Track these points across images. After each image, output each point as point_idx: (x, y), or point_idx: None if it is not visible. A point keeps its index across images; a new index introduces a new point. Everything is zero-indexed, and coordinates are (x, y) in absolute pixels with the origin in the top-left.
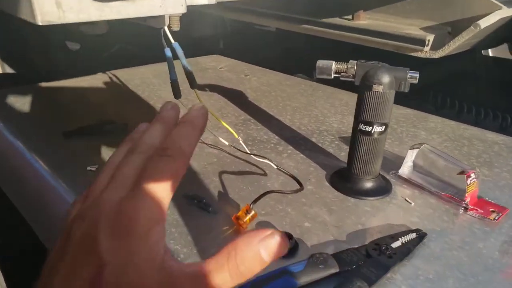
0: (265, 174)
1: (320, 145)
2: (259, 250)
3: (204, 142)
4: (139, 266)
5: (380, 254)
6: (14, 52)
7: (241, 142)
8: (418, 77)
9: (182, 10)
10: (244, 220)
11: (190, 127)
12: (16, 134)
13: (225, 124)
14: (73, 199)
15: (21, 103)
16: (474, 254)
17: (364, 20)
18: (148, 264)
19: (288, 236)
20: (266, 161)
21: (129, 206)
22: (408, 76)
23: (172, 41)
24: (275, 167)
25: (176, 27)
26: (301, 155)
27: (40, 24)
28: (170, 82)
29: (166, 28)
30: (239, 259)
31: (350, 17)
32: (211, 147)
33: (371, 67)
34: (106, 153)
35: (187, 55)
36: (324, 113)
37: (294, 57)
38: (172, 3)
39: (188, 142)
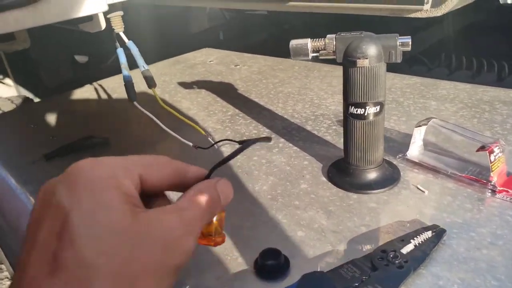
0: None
1: (315, 133)
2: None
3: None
4: (107, 208)
5: (388, 264)
6: (25, 73)
7: (209, 138)
8: (410, 43)
9: (103, 8)
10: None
11: None
12: (2, 162)
13: (188, 122)
14: None
15: (7, 128)
16: (510, 251)
17: None
18: (117, 204)
19: (276, 252)
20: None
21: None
22: (398, 43)
23: (126, 40)
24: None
25: (119, 28)
26: (294, 147)
27: None
28: (124, 83)
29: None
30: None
31: None
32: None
33: (353, 39)
34: None
35: (180, 53)
36: (320, 95)
37: (290, 38)
38: (89, 3)
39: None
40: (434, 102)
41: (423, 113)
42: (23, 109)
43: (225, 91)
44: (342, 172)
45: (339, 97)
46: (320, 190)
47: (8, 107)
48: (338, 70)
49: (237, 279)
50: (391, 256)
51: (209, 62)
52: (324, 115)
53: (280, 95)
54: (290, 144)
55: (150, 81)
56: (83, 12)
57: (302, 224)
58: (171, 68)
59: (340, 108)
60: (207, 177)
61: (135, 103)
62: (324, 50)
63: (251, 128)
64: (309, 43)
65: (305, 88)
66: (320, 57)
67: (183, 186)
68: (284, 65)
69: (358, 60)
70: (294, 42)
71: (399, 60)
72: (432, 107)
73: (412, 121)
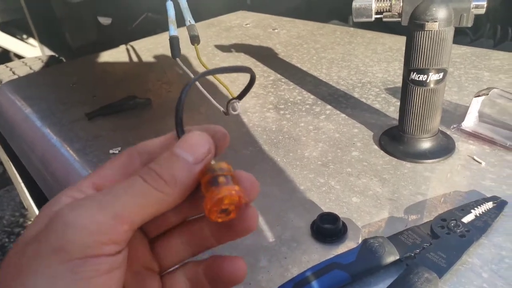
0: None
1: (364, 100)
2: (173, 150)
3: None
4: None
5: (450, 233)
6: (50, 34)
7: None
8: (485, 5)
9: None
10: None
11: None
12: (43, 120)
13: (221, 82)
14: None
15: (46, 85)
16: None
17: None
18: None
19: (334, 216)
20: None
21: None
22: (472, 5)
23: None
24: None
25: None
26: (342, 115)
27: None
28: (169, 38)
29: None
30: (153, 165)
31: None
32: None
33: (422, 0)
34: (128, 132)
35: (212, 15)
36: (366, 62)
37: (326, 3)
38: None
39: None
40: (487, 73)
41: (476, 84)
42: (57, 68)
43: (265, 55)
44: (395, 140)
45: (386, 65)
46: (372, 158)
47: (38, 65)
48: (383, 37)
49: (294, 240)
50: (452, 224)
51: (245, 25)
52: (372, 82)
53: (323, 61)
54: (338, 111)
55: (194, 37)
56: None
57: (356, 190)
58: (206, 31)
59: (388, 76)
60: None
61: (177, 59)
62: (389, 12)
63: (295, 94)
64: (373, 3)
65: (349, 55)
66: (384, 19)
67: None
68: (324, 30)
69: (426, 23)
70: (357, 3)
71: (469, 24)
72: (485, 78)
73: (464, 91)
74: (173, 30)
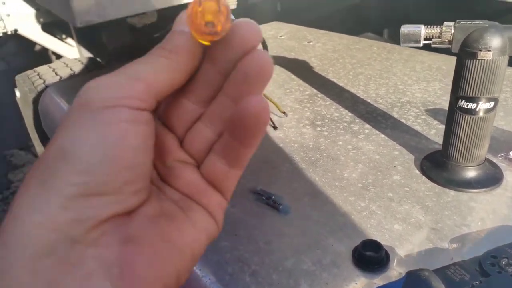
0: (339, 157)
1: (403, 121)
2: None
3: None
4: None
5: (501, 272)
6: (88, 35)
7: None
8: None
9: None
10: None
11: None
12: None
13: (269, 98)
14: None
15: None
16: None
17: None
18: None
19: (377, 244)
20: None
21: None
22: None
23: None
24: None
25: (232, 3)
26: (382, 135)
27: (79, 25)
28: None
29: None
30: (157, 45)
31: None
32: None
33: (475, 28)
34: None
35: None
36: (404, 80)
37: (360, 15)
38: None
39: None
40: None
41: None
42: (98, 72)
43: (300, 69)
44: (438, 166)
45: (425, 84)
46: (414, 184)
47: (78, 67)
48: (421, 55)
49: (334, 266)
50: (504, 263)
51: (280, 37)
52: (411, 102)
53: (360, 77)
54: (377, 131)
55: None
56: None
57: (398, 217)
58: None
59: (428, 96)
60: None
61: None
62: (438, 38)
63: (332, 110)
64: (422, 30)
65: (387, 72)
66: (432, 45)
67: None
68: (361, 44)
69: (479, 52)
70: (405, 28)
71: None
72: None
73: (511, 116)
74: None
